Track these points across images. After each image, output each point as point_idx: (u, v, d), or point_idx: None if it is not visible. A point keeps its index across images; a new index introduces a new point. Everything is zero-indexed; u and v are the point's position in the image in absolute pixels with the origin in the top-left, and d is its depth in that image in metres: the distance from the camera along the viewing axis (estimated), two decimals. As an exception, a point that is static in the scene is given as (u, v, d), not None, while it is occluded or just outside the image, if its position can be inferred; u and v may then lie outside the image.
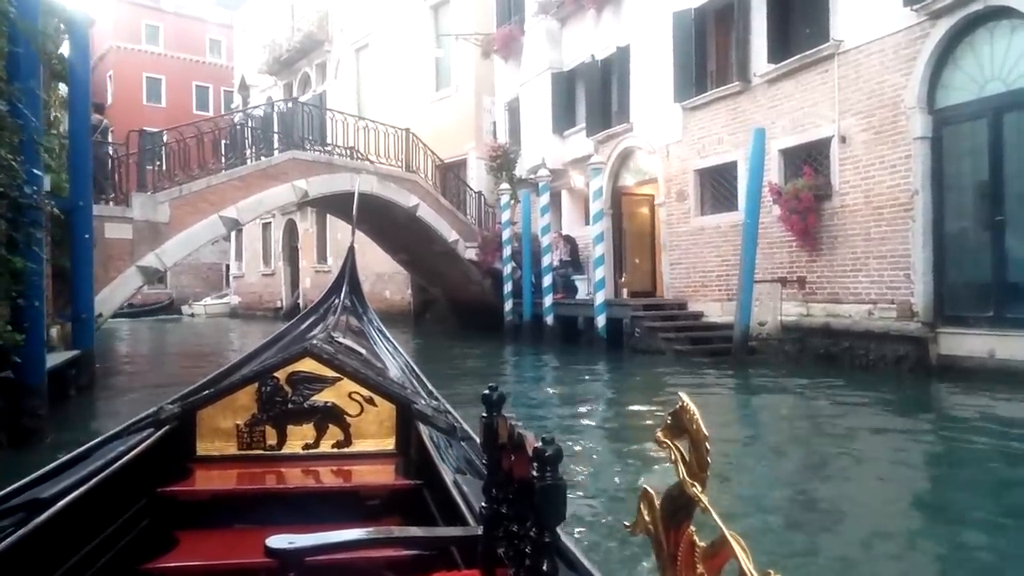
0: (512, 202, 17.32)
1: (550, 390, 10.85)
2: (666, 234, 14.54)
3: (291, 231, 30.24)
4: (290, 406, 2.75)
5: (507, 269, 17.18)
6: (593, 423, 8.44)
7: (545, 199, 15.77)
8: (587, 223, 17.18)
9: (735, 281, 12.65)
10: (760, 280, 11.55)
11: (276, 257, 31.26)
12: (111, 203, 11.94)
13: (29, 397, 6.36)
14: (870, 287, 10.54)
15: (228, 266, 36.40)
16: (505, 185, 17.52)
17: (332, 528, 1.57)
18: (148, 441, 2.49)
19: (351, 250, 5.12)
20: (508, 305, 17.18)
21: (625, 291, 15.74)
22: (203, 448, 2.71)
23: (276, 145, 15.20)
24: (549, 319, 15.64)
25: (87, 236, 9.23)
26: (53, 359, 8.32)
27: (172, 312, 34.69)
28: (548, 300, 15.63)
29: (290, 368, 2.76)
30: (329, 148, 15.80)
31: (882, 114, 10.34)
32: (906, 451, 6.44)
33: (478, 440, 2.28)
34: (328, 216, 26.87)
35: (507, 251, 17.16)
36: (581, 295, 16.11)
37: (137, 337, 23.52)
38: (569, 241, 16.64)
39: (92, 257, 9.37)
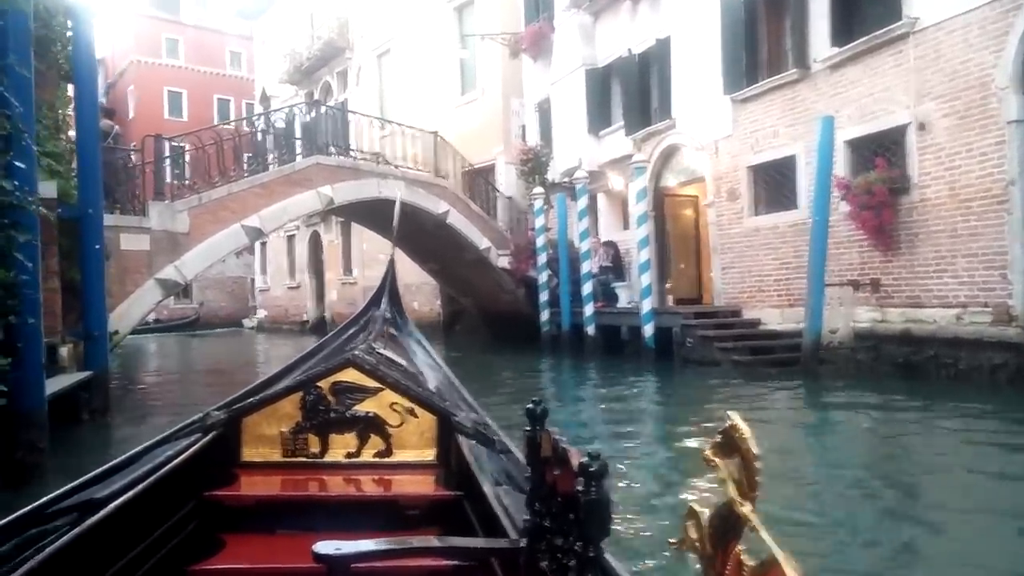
0: (546, 207, 16.28)
1: (596, 404, 9.85)
2: (716, 236, 13.40)
3: (316, 243, 29.34)
4: (333, 415, 2.75)
5: (542, 277, 16.11)
6: (646, 439, 7.64)
7: (583, 202, 14.69)
8: (625, 227, 16.17)
9: (796, 285, 11.53)
10: (828, 284, 10.38)
11: (301, 270, 30.35)
12: (125, 213, 10.98)
13: (26, 428, 5.39)
14: (958, 289, 9.35)
15: (253, 280, 35.56)
16: (538, 189, 16.46)
17: (373, 536, 1.67)
18: (196, 446, 2.49)
19: (391, 262, 4.95)
20: (545, 315, 16.11)
21: (670, 298, 14.60)
22: (248, 454, 2.74)
23: (299, 151, 14.22)
24: (590, 329, 14.54)
25: (98, 246, 8.27)
26: (61, 381, 7.45)
27: (199, 327, 33.84)
28: (589, 309, 14.53)
29: (333, 378, 2.77)
30: (354, 154, 14.79)
31: (968, 97, 9.18)
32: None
33: (517, 453, 2.41)
34: (352, 226, 25.94)
35: (542, 258, 16.09)
36: (623, 303, 15.01)
37: (161, 354, 22.65)
38: (611, 246, 15.54)
39: (104, 269, 8.41)
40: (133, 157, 11.26)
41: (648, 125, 14.74)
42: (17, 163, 4.69)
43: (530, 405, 1.55)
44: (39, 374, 5.49)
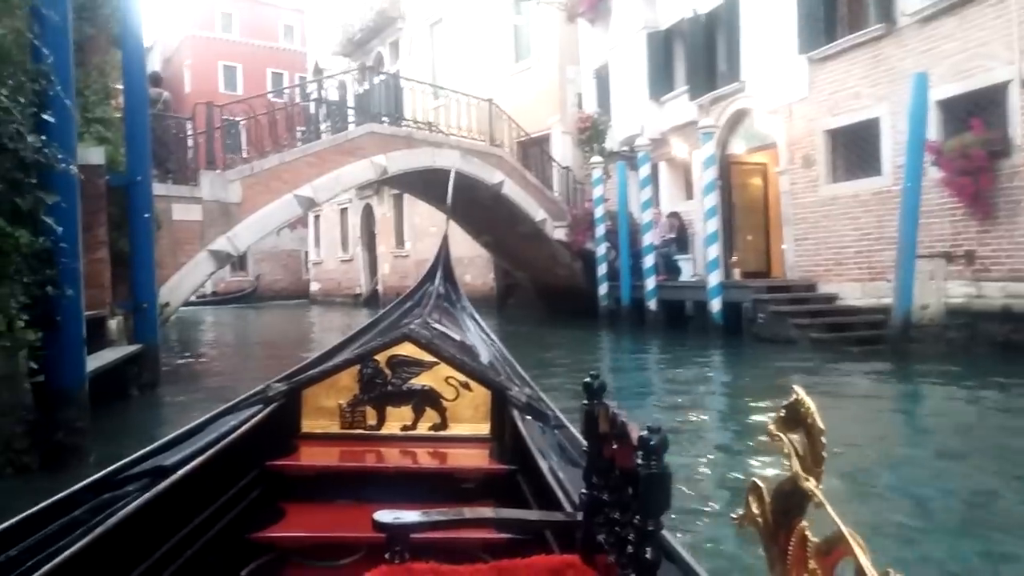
0: (604, 177, 15.54)
1: (660, 382, 9.24)
2: (788, 206, 12.53)
3: (368, 216, 28.98)
4: (389, 388, 2.76)
5: (601, 250, 15.42)
6: (716, 418, 7.13)
7: (645, 171, 13.93)
8: (688, 197, 15.37)
9: (878, 258, 10.68)
10: (919, 256, 9.51)
11: (354, 243, 30.04)
12: (177, 182, 10.59)
13: (64, 408, 4.95)
14: (1068, 261, 8.45)
15: (307, 253, 35.46)
16: (597, 158, 15.70)
17: (429, 508, 1.63)
18: (258, 417, 2.53)
19: (445, 238, 4.85)
20: (603, 289, 15.43)
21: (736, 271, 13.77)
22: (308, 425, 2.76)
23: (351, 120, 13.70)
24: (651, 304, 13.83)
25: (147, 215, 7.86)
26: (109, 355, 7.06)
27: (254, 300, 33.85)
28: (650, 283, 13.80)
29: (390, 352, 2.77)
30: (407, 123, 14.21)
31: (1084, 48, 8.22)
32: None
33: (572, 428, 2.47)
34: (405, 199, 25.49)
35: (600, 230, 15.39)
36: (686, 276, 14.28)
37: (216, 326, 22.55)
38: (675, 217, 14.75)
39: (153, 238, 8.02)
40: (181, 125, 10.82)
41: (714, 89, 13.86)
42: (47, 117, 4.17)
43: (587, 379, 1.53)
44: (79, 350, 5.04)
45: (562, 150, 18.34)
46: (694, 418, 6.98)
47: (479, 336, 3.87)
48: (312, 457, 2.64)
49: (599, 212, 15.37)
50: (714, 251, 12.20)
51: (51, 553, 1.43)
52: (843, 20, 11.73)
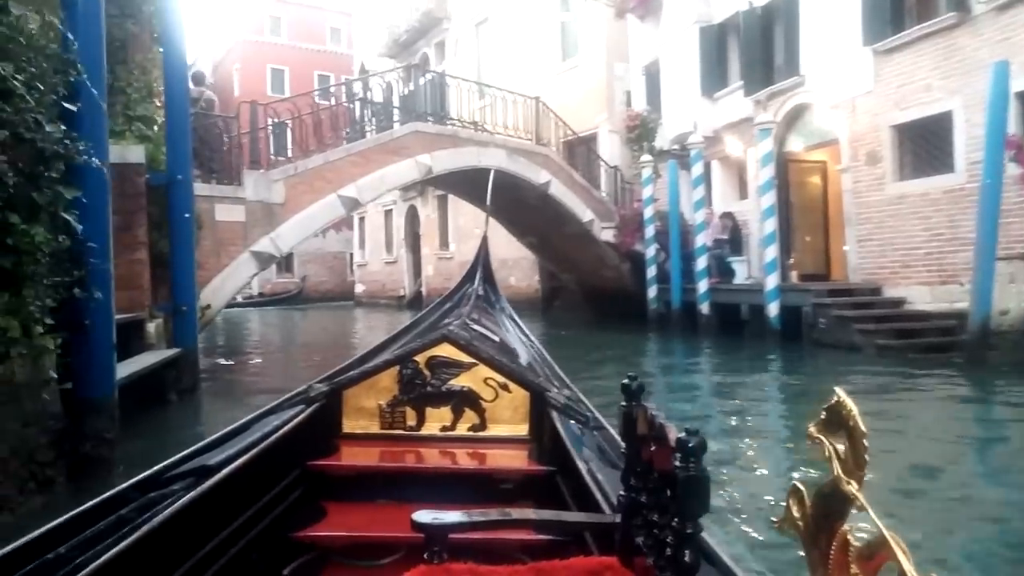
0: (654, 176, 15.02)
1: (715, 390, 8.77)
2: (851, 205, 11.89)
3: (413, 218, 28.78)
4: (429, 389, 2.76)
5: (650, 251, 14.92)
6: (775, 429, 6.67)
7: (698, 170, 13.39)
8: (742, 197, 14.79)
9: (950, 260, 10.03)
10: (998, 258, 8.84)
11: (398, 245, 29.87)
12: (220, 182, 10.38)
13: (93, 418, 4.66)
14: None
15: (352, 255, 35.44)
16: (647, 157, 15.20)
17: (468, 508, 1.62)
18: (300, 417, 2.53)
19: (484, 239, 4.84)
20: (652, 292, 14.92)
21: (793, 274, 13.16)
22: (349, 426, 2.77)
23: (396, 118, 13.41)
24: (704, 307, 13.28)
25: (187, 215, 7.61)
26: (146, 360, 6.82)
27: (300, 301, 33.89)
28: (703, 285, 13.25)
29: (429, 352, 2.76)
30: (453, 122, 13.86)
31: None
32: None
33: (611, 430, 2.43)
34: (450, 201, 25.20)
35: (650, 231, 14.88)
36: (740, 279, 13.70)
37: (261, 328, 22.50)
38: (728, 218, 14.18)
39: (193, 239, 7.76)
40: (226, 125, 10.61)
41: (771, 84, 13.27)
42: (69, 106, 3.86)
43: (625, 380, 1.51)
44: (108, 356, 4.75)
45: (609, 149, 17.86)
46: (751, 426, 6.56)
47: (518, 337, 3.85)
48: (353, 457, 2.66)
49: (649, 212, 14.87)
50: (772, 252, 11.63)
51: (100, 550, 1.43)
52: (911, 10, 11.09)
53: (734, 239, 14.12)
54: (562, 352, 10.48)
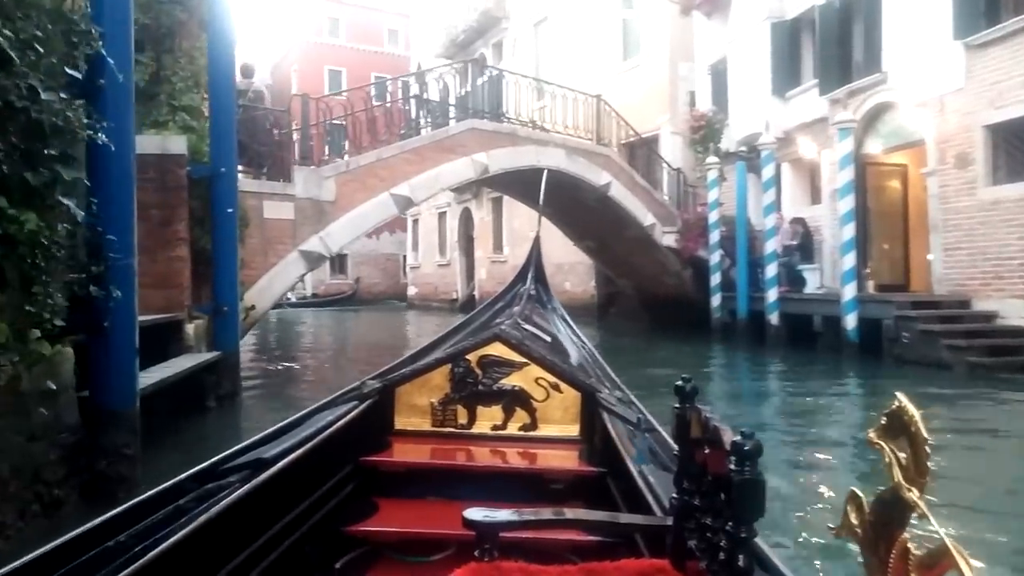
0: (720, 179, 14.27)
1: (787, 406, 8.07)
2: (936, 211, 10.97)
3: (467, 220, 28.35)
4: (480, 388, 2.75)
5: (715, 257, 14.17)
6: (849, 449, 5.93)
7: (769, 172, 12.62)
8: (813, 201, 13.99)
9: (1053, 271, 9.08)
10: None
11: (451, 247, 29.47)
12: (271, 179, 10.01)
13: (112, 430, 4.19)
14: None
15: (405, 257, 35.20)
16: (713, 158, 14.44)
17: (518, 507, 1.63)
18: (353, 413, 2.54)
19: (537, 239, 4.75)
20: (716, 300, 14.18)
21: (870, 284, 12.27)
22: (401, 423, 2.77)
23: (452, 115, 12.91)
24: (773, 317, 12.48)
25: (230, 210, 7.18)
26: (184, 363, 6.40)
27: (354, 303, 33.68)
28: (772, 294, 12.46)
29: (481, 351, 2.75)
30: (511, 119, 13.28)
31: None
32: None
33: (663, 433, 2.35)
34: (504, 203, 24.68)
35: (715, 236, 14.12)
36: (811, 288, 12.85)
37: (313, 329, 22.27)
38: (799, 223, 13.34)
39: (236, 236, 7.33)
40: (276, 119, 10.22)
41: (849, 81, 12.40)
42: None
43: (679, 382, 1.47)
44: (129, 363, 4.28)
45: (671, 152, 17.13)
46: (826, 446, 6.02)
47: (569, 338, 3.79)
48: (405, 454, 2.65)
49: (714, 217, 14.12)
50: (849, 260, 10.79)
51: (159, 539, 1.44)
52: (1008, 2, 10.16)
53: (805, 246, 13.28)
54: (619, 360, 9.83)
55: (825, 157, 12.90)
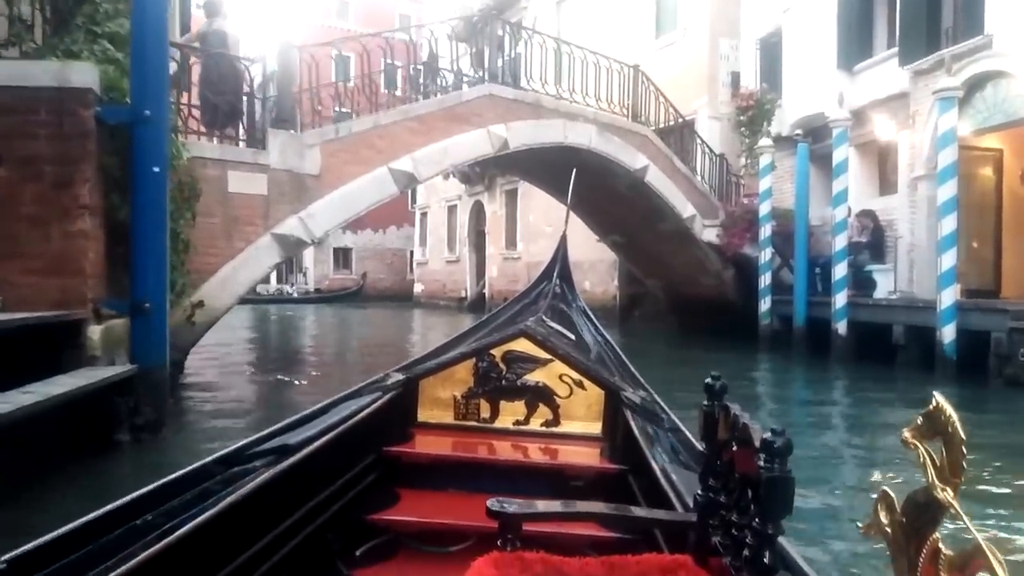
0: (772, 166, 12.23)
1: (867, 437, 6.11)
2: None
3: (478, 214, 26.30)
4: (504, 383, 2.75)
5: (764, 255, 12.10)
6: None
7: (842, 153, 10.52)
8: (884, 192, 11.90)
9: None
10: None
11: (461, 243, 27.43)
12: (252, 146, 8.03)
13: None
14: None
15: (412, 252, 33.17)
16: (766, 141, 12.39)
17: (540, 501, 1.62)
18: (376, 404, 2.53)
19: (564, 236, 4.39)
20: (765, 304, 12.12)
21: (958, 288, 10.18)
22: (424, 415, 2.78)
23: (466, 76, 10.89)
24: (840, 326, 10.41)
25: (156, 169, 5.13)
26: (77, 380, 4.49)
27: (359, 300, 31.54)
28: (841, 299, 10.39)
29: (505, 347, 2.75)
30: (533, 86, 11.16)
31: None
32: None
33: (686, 432, 2.36)
34: (520, 196, 22.68)
35: (765, 231, 12.07)
36: (881, 292, 10.79)
37: (316, 328, 20.26)
38: (867, 216, 11.28)
39: (165, 205, 5.28)
40: (250, 72, 8.21)
41: (938, 49, 10.30)
42: None
43: (708, 380, 1.44)
44: None
45: (709, 138, 15.04)
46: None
47: (594, 336, 3.71)
48: (427, 446, 2.64)
49: (764, 209, 12.07)
50: (948, 260, 8.69)
51: (184, 519, 1.45)
52: None
53: (875, 243, 11.22)
54: (651, 370, 7.74)
55: (904, 139, 10.83)
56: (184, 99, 7.69)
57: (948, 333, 8.64)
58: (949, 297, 8.65)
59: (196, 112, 7.89)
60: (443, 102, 9.84)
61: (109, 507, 1.41)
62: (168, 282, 5.39)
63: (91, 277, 4.94)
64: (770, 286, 12.08)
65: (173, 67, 6.38)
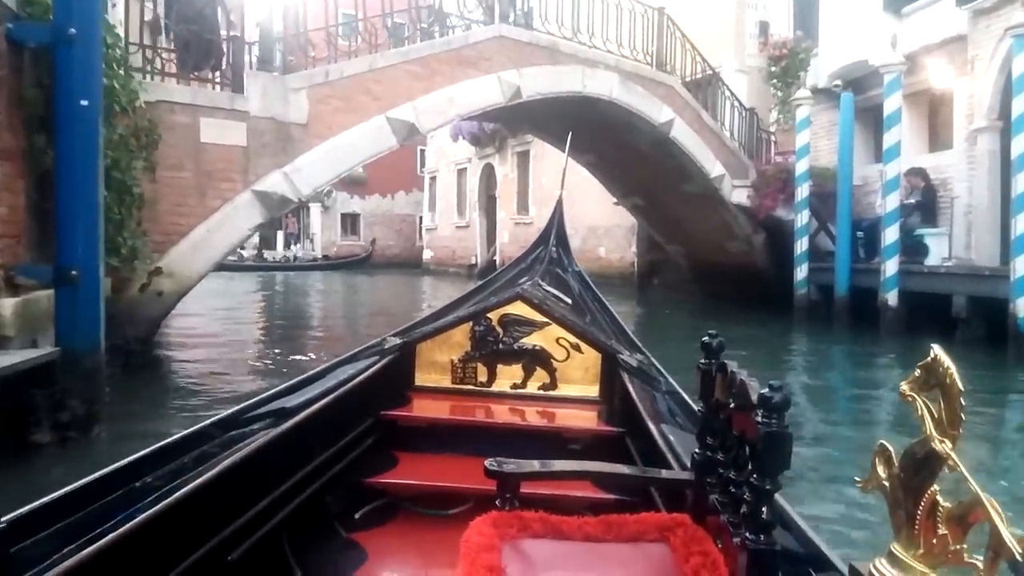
0: (808, 120, 11.03)
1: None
2: None
3: (488, 177, 25.10)
4: (501, 346, 2.71)
5: (801, 219, 10.96)
6: None
7: (894, 103, 9.33)
8: (935, 147, 10.74)
9: None
10: None
11: (471, 207, 26.25)
12: (221, 86, 6.91)
13: None
14: None
15: (420, 218, 32.02)
16: (803, 92, 11.16)
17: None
18: (374, 368, 2.50)
19: (559, 202, 4.53)
20: (801, 272, 11.00)
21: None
22: (421, 379, 2.75)
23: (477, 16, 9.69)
24: (890, 296, 9.30)
25: (84, 103, 4.04)
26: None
27: (367, 266, 30.45)
28: (891, 266, 9.27)
29: (502, 310, 2.73)
30: (548, 27, 9.93)
31: None
32: None
33: (683, 394, 2.36)
34: (532, 157, 21.48)
35: (802, 191, 10.90)
36: (934, 259, 9.63)
37: (323, 295, 19.28)
38: (917, 175, 10.08)
39: (97, 148, 4.18)
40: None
41: (1008, -17, 9.03)
42: None
43: (705, 338, 1.43)
44: None
45: (735, 92, 13.78)
46: None
47: (591, 300, 3.68)
48: (424, 409, 2.63)
49: (802, 167, 10.89)
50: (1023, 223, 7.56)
51: (183, 481, 1.42)
52: None
53: (926, 204, 10.03)
54: (672, 345, 6.67)
55: (961, 87, 9.60)
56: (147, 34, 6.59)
57: (1023, 306, 7.51)
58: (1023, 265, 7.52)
59: (164, 52, 6.77)
60: (448, 43, 8.66)
61: (108, 469, 1.38)
62: (104, 245, 4.32)
63: (3, 237, 3.88)
64: (807, 252, 10.96)
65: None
